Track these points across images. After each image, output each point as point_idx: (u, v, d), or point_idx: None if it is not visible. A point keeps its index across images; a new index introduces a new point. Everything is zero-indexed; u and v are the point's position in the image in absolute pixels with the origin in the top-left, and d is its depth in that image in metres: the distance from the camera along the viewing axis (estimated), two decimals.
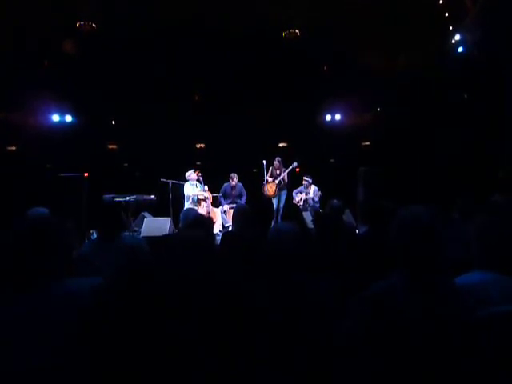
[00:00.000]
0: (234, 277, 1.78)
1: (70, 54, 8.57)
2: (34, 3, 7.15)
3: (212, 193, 8.34)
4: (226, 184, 8.40)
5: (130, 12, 7.68)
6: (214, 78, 9.47)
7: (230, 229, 6.64)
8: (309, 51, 8.95)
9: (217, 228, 7.80)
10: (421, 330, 1.46)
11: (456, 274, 1.82)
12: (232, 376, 1.17)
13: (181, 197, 8.05)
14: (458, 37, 8.10)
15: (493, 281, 1.76)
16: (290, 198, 8.70)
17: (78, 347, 1.23)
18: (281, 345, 1.61)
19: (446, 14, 8.06)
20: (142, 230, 6.90)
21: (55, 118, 9.63)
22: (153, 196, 7.96)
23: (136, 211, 8.01)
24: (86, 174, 7.70)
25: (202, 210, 7.83)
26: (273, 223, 3.56)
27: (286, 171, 8.43)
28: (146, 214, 8.15)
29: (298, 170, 8.86)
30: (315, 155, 10.39)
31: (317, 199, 8.49)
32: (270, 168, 8.55)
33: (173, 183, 8.10)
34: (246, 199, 8.28)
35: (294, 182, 8.79)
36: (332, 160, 11.46)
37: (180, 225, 3.59)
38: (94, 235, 6.41)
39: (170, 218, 7.23)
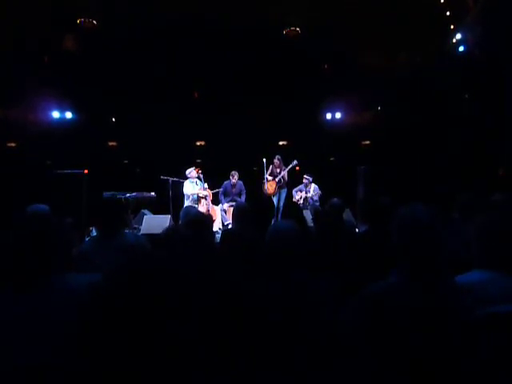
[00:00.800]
0: (234, 276, 1.78)
1: (71, 50, 8.56)
2: (34, 0, 7.14)
3: (212, 190, 8.34)
4: (226, 182, 8.40)
5: (131, 9, 7.67)
6: (214, 76, 9.47)
7: (230, 227, 6.64)
8: (309, 50, 8.95)
9: (216, 226, 7.81)
10: (421, 330, 1.46)
11: (456, 274, 1.82)
12: (232, 376, 1.17)
13: (181, 194, 8.05)
14: (458, 36, 8.10)
15: (493, 280, 1.75)
16: (290, 196, 8.71)
17: (77, 345, 1.23)
18: (281, 344, 1.61)
19: (448, 13, 8.05)
20: (142, 228, 6.89)
21: (55, 114, 9.62)
22: (153, 193, 7.96)
23: (136, 208, 8.00)
24: (86, 171, 7.69)
25: (202, 207, 7.83)
26: (273, 221, 3.56)
27: (286, 169, 8.44)
28: (145, 211, 8.14)
29: (298, 168, 8.86)
30: (315, 154, 10.40)
31: (317, 198, 8.49)
32: (270, 166, 8.55)
33: (173, 181, 8.10)
34: (246, 197, 8.28)
35: (294, 181, 8.80)
36: (332, 159, 11.47)
37: (180, 222, 3.59)
38: (94, 232, 6.41)
39: (169, 216, 7.23)
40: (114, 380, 1.08)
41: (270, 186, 8.43)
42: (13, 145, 9.66)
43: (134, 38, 8.32)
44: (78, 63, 8.64)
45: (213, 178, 8.46)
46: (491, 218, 1.92)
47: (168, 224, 6.86)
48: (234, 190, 8.36)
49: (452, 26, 8.20)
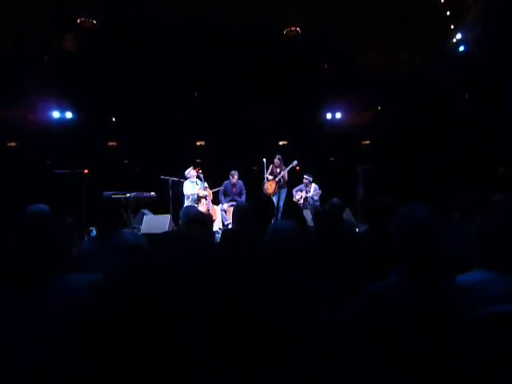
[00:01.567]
0: (234, 276, 1.78)
1: (71, 50, 8.56)
2: (34, 0, 7.14)
3: (212, 189, 8.34)
4: (226, 182, 8.39)
5: (131, 9, 7.67)
6: (214, 76, 9.47)
7: (230, 227, 6.64)
8: (309, 50, 8.95)
9: (216, 226, 7.81)
10: (421, 330, 1.46)
11: (456, 274, 1.82)
12: (232, 376, 1.17)
13: (181, 194, 8.04)
14: (458, 36, 8.10)
15: (493, 280, 1.75)
16: (290, 196, 8.71)
17: (77, 345, 1.23)
18: (280, 344, 1.61)
19: (448, 13, 8.05)
20: (142, 227, 6.89)
21: (55, 114, 9.61)
22: (153, 193, 7.95)
23: (136, 208, 7.99)
24: (86, 171, 7.69)
25: (202, 207, 7.82)
26: (273, 221, 3.56)
27: (286, 169, 8.44)
28: (145, 211, 8.14)
29: (298, 168, 8.87)
30: (315, 154, 10.40)
31: (317, 198, 8.49)
32: (270, 166, 8.55)
33: (173, 180, 8.09)
34: (246, 197, 8.28)
35: (294, 181, 8.80)
36: (332, 159, 11.47)
37: (180, 222, 3.59)
38: (94, 232, 6.41)
39: (169, 216, 7.23)
40: (113, 380, 1.08)
41: (269, 186, 8.43)
42: (13, 145, 9.66)
43: (134, 38, 8.32)
44: (78, 63, 8.64)
45: (213, 178, 8.45)
46: (491, 218, 1.92)
47: (168, 224, 6.88)
48: (234, 189, 8.35)
49: (452, 26, 8.20)
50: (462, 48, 8.11)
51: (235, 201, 8.04)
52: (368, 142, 11.13)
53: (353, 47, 8.58)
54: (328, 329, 1.63)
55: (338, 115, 10.50)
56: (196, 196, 7.97)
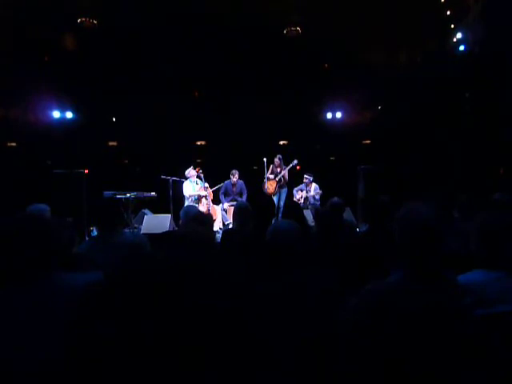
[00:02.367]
0: (234, 275, 1.78)
1: (71, 50, 8.55)
2: (34, 0, 7.14)
3: (212, 188, 8.34)
4: (226, 181, 8.39)
5: (131, 8, 7.65)
6: (214, 76, 9.46)
7: (231, 226, 6.64)
8: (310, 49, 8.95)
9: (217, 226, 7.81)
10: (421, 329, 1.46)
11: (456, 274, 1.82)
12: (231, 376, 1.17)
13: (181, 194, 8.05)
14: (459, 35, 8.09)
15: (493, 280, 1.76)
16: (290, 195, 8.71)
17: (77, 345, 1.23)
18: (280, 344, 1.61)
19: (448, 13, 8.05)
20: (143, 227, 6.91)
21: (56, 114, 9.61)
22: (153, 193, 7.96)
23: (136, 208, 8.01)
24: (86, 171, 7.70)
25: (203, 207, 7.83)
26: (273, 221, 3.56)
27: (287, 169, 8.44)
28: (146, 211, 8.15)
29: (298, 167, 8.87)
30: (316, 153, 10.40)
31: (317, 197, 8.50)
32: (271, 166, 8.56)
33: (173, 180, 8.10)
34: (247, 197, 8.27)
35: (294, 180, 8.80)
36: (332, 158, 11.46)
37: (180, 222, 3.59)
38: (95, 232, 6.42)
39: (170, 215, 7.24)
40: (113, 380, 1.08)
41: (270, 186, 8.44)
42: (13, 145, 9.66)
43: (133, 37, 8.31)
44: (79, 63, 8.63)
45: (213, 178, 8.45)
46: (491, 218, 1.92)
47: (168, 223, 6.89)
48: (234, 189, 8.35)
49: (452, 26, 8.20)
50: (462, 47, 8.10)
51: (236, 200, 8.04)
52: (368, 141, 11.13)
53: (353, 47, 8.58)
54: (328, 328, 1.63)
55: (339, 115, 10.49)
56: (196, 196, 7.97)
